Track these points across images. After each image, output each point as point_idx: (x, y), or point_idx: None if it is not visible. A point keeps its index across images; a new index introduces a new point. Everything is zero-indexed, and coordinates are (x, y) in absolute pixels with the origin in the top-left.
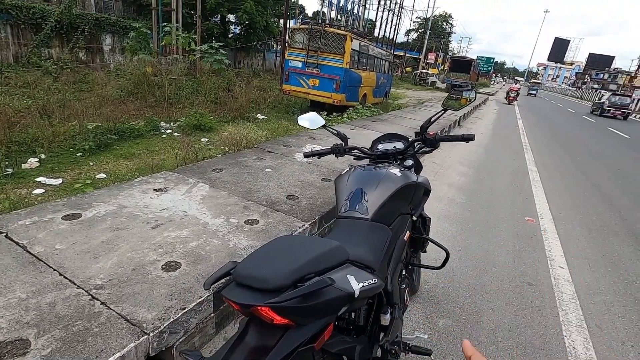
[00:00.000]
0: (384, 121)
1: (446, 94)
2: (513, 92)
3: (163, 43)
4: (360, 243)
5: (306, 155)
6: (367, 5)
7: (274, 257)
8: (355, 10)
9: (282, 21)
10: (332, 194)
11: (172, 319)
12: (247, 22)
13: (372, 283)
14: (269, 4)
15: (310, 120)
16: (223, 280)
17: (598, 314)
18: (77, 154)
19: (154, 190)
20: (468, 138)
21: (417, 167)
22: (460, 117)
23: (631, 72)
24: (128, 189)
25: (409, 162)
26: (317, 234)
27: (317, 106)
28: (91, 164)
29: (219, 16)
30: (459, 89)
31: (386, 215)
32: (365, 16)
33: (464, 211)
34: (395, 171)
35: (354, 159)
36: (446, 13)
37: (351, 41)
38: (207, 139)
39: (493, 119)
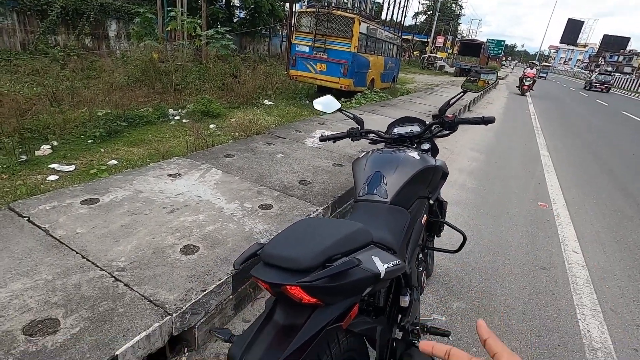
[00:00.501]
0: (393, 106)
1: (455, 78)
2: (528, 79)
3: (169, 28)
4: (381, 226)
5: (322, 140)
6: None
7: (301, 239)
8: None
9: (287, 5)
10: (344, 179)
11: (193, 300)
12: (252, 6)
13: (396, 264)
14: None
15: (325, 103)
16: (249, 261)
17: (612, 298)
18: (88, 141)
19: (167, 175)
20: (488, 120)
21: (434, 151)
22: (470, 101)
23: None
24: (142, 174)
25: (426, 146)
26: (332, 217)
27: (324, 92)
28: (102, 150)
29: (224, 0)
30: (479, 71)
31: (405, 199)
32: None
33: (476, 196)
34: (414, 154)
35: (370, 143)
36: None
37: (359, 24)
38: (215, 125)
39: (503, 103)
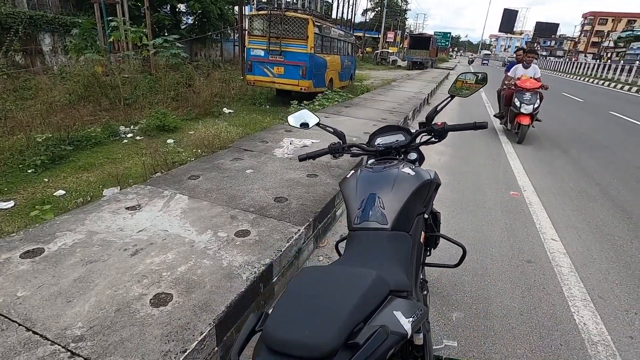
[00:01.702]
0: (357, 105)
1: (409, 72)
2: (526, 96)
3: (111, 39)
4: (386, 260)
5: (301, 159)
6: None
7: (310, 309)
8: None
9: (237, 8)
10: (322, 191)
11: None
12: (200, 12)
13: (420, 313)
14: None
15: (302, 118)
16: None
17: (597, 284)
18: (28, 171)
19: (126, 209)
20: (480, 126)
21: (420, 159)
22: (428, 95)
23: (574, 38)
24: (96, 210)
25: (414, 156)
26: (309, 236)
27: (283, 95)
28: (46, 180)
29: (169, 6)
30: (467, 72)
31: (405, 222)
32: None
33: (452, 192)
34: (408, 170)
35: (351, 155)
36: None
37: (313, 25)
38: (173, 140)
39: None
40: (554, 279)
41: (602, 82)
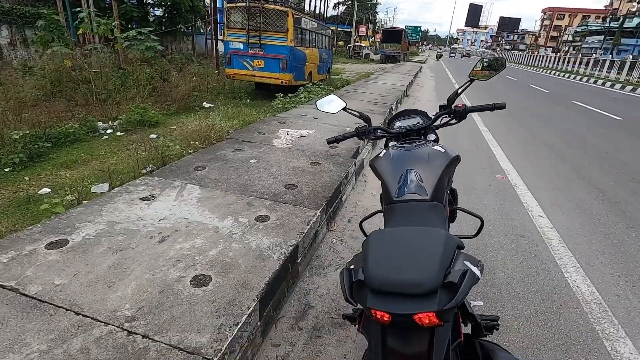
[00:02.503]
0: (341, 97)
1: (383, 65)
2: None
3: (80, 32)
4: (432, 226)
5: (330, 142)
6: None
7: (403, 257)
8: None
9: (207, 0)
10: (328, 177)
11: (229, 338)
12: (169, 3)
13: (480, 265)
14: None
15: (329, 103)
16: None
17: (584, 253)
18: (6, 169)
19: (140, 199)
20: (499, 106)
21: (437, 141)
22: (406, 87)
23: (535, 32)
24: (109, 202)
25: (432, 137)
26: (323, 219)
27: (262, 88)
28: (27, 178)
29: None
30: (488, 59)
31: (440, 193)
32: None
33: None
34: (438, 147)
35: (375, 139)
36: None
37: (293, 18)
38: (156, 135)
39: (432, 85)
40: (546, 250)
41: (563, 74)
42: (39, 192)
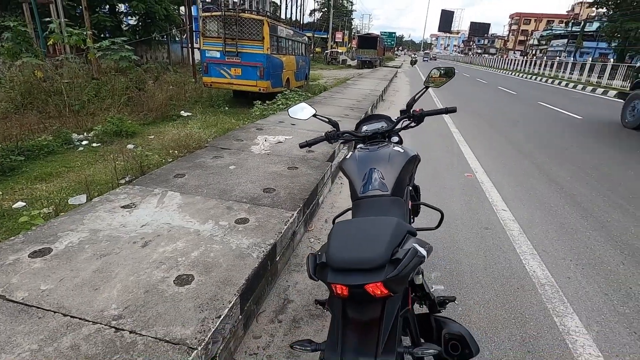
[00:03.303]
0: (318, 103)
1: (360, 70)
2: None
3: (50, 42)
4: (393, 216)
5: (302, 146)
6: None
7: (359, 241)
8: None
9: (182, 9)
10: (305, 180)
11: (212, 329)
12: (143, 12)
13: (428, 247)
14: None
15: (301, 111)
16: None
17: (541, 242)
18: None
19: (121, 207)
20: (451, 110)
21: (400, 142)
22: (382, 92)
23: (504, 37)
24: (91, 211)
25: (396, 139)
26: (300, 220)
27: (241, 96)
28: (0, 193)
29: (107, 7)
30: (440, 69)
31: (400, 189)
32: None
33: (418, 178)
34: (398, 148)
35: (342, 142)
36: None
37: (268, 26)
38: (133, 145)
39: (408, 90)
40: (507, 240)
41: (530, 76)
42: (13, 207)
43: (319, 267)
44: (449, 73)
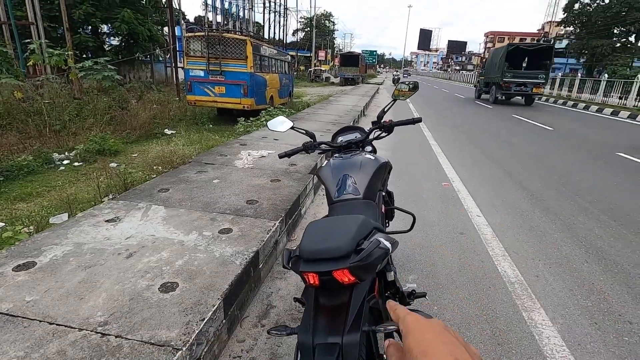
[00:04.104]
0: (302, 119)
1: (343, 87)
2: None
3: (30, 63)
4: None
5: (281, 156)
6: (254, 8)
7: (328, 235)
8: (241, 14)
9: (165, 29)
10: (287, 192)
11: (196, 331)
12: (126, 33)
13: (393, 242)
14: (148, 11)
15: (280, 124)
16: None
17: (512, 244)
18: None
19: (105, 221)
20: (417, 121)
21: (374, 151)
22: (363, 107)
23: (480, 54)
24: (74, 226)
25: (369, 148)
26: (282, 229)
27: (225, 113)
28: None
29: (90, 27)
30: (402, 82)
31: (371, 193)
32: (252, 19)
33: (394, 187)
34: (369, 156)
35: (319, 153)
36: (326, 12)
37: (251, 45)
38: (117, 164)
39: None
40: (481, 244)
41: None
42: None
43: (292, 260)
44: (414, 87)
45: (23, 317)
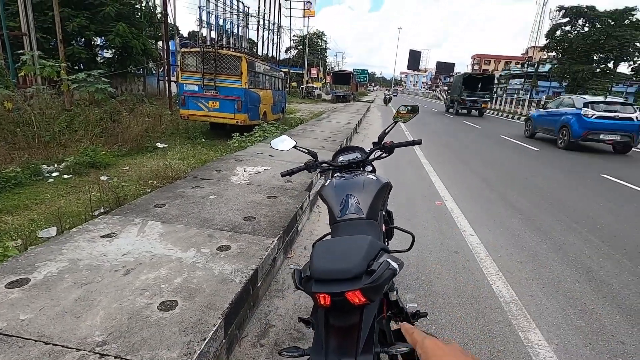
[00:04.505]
0: (296, 136)
1: (335, 104)
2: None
3: (22, 74)
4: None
5: (283, 175)
6: (248, 26)
7: (338, 255)
8: (235, 31)
9: (159, 43)
10: (284, 209)
11: (198, 352)
12: (120, 46)
13: (400, 263)
14: (143, 25)
15: (282, 142)
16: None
17: (505, 263)
18: None
19: (101, 237)
20: (417, 142)
21: (374, 171)
22: (356, 125)
23: None
24: (69, 241)
25: (369, 168)
26: (280, 247)
27: (218, 128)
28: None
29: (83, 40)
30: (405, 105)
31: (374, 213)
32: (247, 35)
33: (392, 205)
34: (372, 176)
35: (320, 172)
36: (319, 31)
37: (247, 62)
38: (107, 177)
39: (380, 123)
40: (475, 263)
41: (492, 111)
42: None
43: (303, 280)
44: (414, 110)
45: (17, 337)
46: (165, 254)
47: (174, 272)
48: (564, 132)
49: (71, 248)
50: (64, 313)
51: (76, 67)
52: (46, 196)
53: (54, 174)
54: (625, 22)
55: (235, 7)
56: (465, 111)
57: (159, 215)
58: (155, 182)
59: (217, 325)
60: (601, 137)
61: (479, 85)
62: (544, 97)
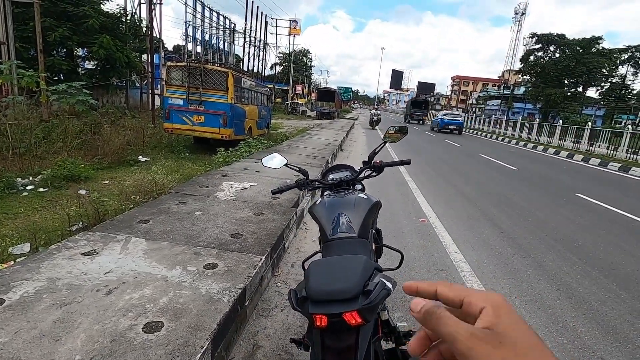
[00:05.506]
0: (281, 152)
1: (320, 121)
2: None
3: None
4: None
5: (274, 192)
6: (234, 42)
7: (333, 276)
8: (221, 46)
9: (144, 56)
10: (271, 226)
11: None
12: (104, 58)
13: (393, 282)
14: (127, 38)
15: (273, 160)
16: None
17: (490, 281)
18: None
19: (82, 254)
20: (406, 162)
21: (363, 190)
22: (341, 142)
23: (448, 95)
24: (47, 259)
25: (359, 187)
26: (268, 265)
27: (202, 142)
28: None
29: (64, 50)
30: (396, 125)
31: (365, 231)
32: (233, 51)
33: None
34: (362, 195)
35: (310, 189)
36: (305, 49)
37: (233, 77)
38: (86, 190)
39: (364, 140)
40: (460, 280)
41: (472, 131)
42: None
43: (300, 301)
44: (403, 130)
45: None
46: (150, 272)
47: (160, 292)
48: None
49: (49, 266)
50: (42, 336)
51: (56, 78)
52: (19, 210)
53: (29, 187)
54: (592, 49)
55: (222, 23)
56: (411, 121)
57: (143, 232)
58: (138, 197)
59: (204, 347)
60: None
61: (423, 106)
62: (520, 118)
